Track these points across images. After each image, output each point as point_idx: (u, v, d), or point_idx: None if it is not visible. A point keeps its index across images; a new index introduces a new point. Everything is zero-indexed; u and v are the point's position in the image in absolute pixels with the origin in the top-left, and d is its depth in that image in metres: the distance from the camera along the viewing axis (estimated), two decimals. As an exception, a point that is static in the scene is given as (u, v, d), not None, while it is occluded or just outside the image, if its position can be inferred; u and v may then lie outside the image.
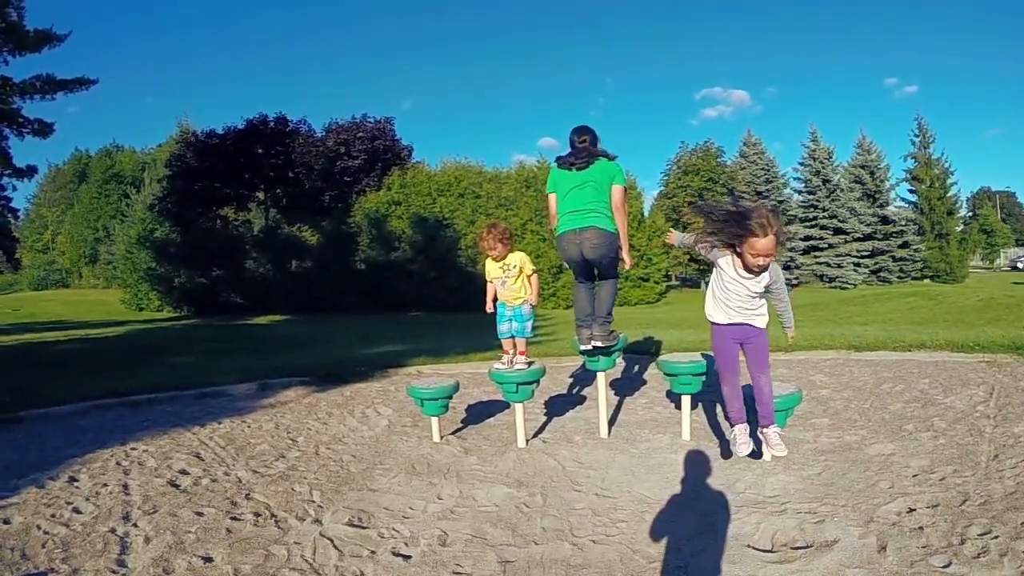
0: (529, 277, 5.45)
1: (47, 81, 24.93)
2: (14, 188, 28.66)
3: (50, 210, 73.12)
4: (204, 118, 68.77)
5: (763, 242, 3.54)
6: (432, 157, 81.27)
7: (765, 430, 3.85)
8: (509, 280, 5.41)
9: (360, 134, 40.80)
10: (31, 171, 28.09)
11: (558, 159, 5.22)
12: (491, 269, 5.49)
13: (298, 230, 39.96)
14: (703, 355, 5.77)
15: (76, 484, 4.83)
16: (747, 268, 3.67)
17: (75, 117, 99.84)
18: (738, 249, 3.68)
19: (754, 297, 3.81)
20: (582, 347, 5.39)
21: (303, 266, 38.49)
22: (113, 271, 55.20)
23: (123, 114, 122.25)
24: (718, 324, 4.00)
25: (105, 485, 4.79)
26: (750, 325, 3.88)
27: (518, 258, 5.42)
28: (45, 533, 3.89)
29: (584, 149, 5.06)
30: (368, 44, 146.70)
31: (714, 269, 3.94)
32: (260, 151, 38.18)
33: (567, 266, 5.38)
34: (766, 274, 3.73)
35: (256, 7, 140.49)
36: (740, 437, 3.79)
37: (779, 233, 3.57)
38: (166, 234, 40.12)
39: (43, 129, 25.80)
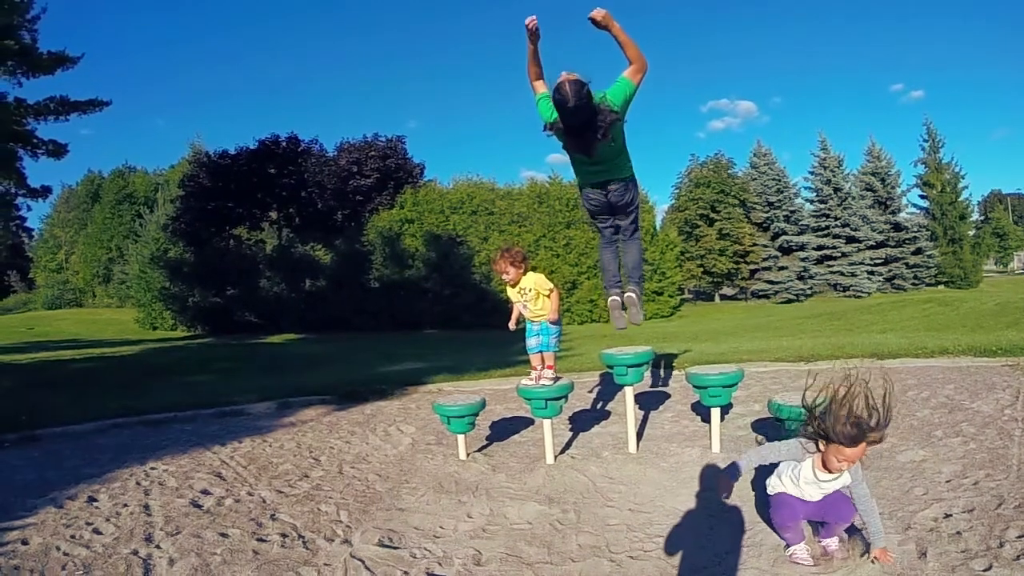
0: (548, 296, 5.37)
1: (61, 103, 25.16)
2: (29, 208, 28.99)
3: (64, 230, 73.65)
4: (216, 139, 69.51)
5: (853, 451, 3.22)
6: (443, 175, 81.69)
7: (825, 540, 3.53)
8: (529, 303, 5.37)
9: (372, 153, 40.96)
10: (45, 192, 28.32)
11: (555, 130, 4.48)
12: (511, 293, 5.47)
13: (311, 249, 40.08)
14: (734, 367, 5.65)
15: (96, 504, 4.74)
16: (826, 467, 3.35)
17: (88, 139, 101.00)
18: (822, 446, 3.34)
19: (827, 494, 3.49)
20: (611, 298, 5.18)
21: (317, 285, 38.57)
22: (127, 290, 55.44)
23: (135, 136, 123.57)
24: (788, 495, 3.52)
25: (125, 505, 4.69)
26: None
27: (532, 281, 5.35)
28: (65, 555, 3.80)
29: (593, 130, 4.29)
30: (376, 65, 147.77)
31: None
32: (272, 171, 38.45)
33: (590, 218, 5.24)
34: (846, 474, 3.39)
35: (265, 30, 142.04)
36: (800, 555, 3.47)
37: (873, 441, 3.23)
38: (180, 254, 40.33)
39: (57, 150, 26.03)
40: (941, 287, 45.54)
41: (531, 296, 5.32)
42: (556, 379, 5.46)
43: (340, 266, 37.83)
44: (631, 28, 4.16)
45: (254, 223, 40.83)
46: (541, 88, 4.56)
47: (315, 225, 39.86)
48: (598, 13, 4.05)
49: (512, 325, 5.56)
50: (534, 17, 4.23)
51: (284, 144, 39.34)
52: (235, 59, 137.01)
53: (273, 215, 41.14)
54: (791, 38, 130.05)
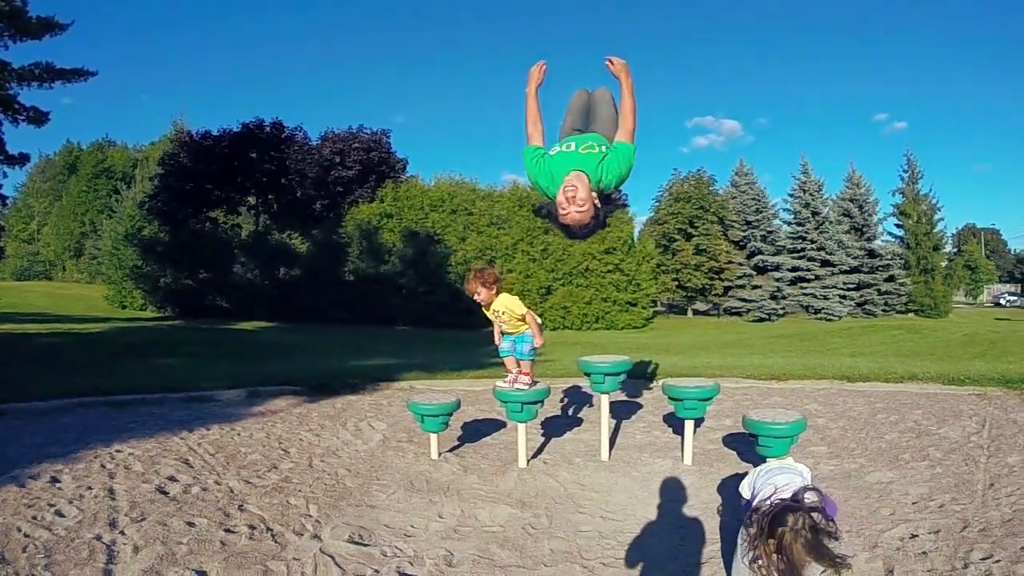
0: (521, 319, 5.27)
1: (46, 69, 24.76)
2: (5, 175, 28.27)
3: (38, 201, 72.51)
4: (199, 119, 68.54)
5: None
6: (425, 172, 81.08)
7: None
8: (504, 326, 5.33)
9: (355, 144, 40.62)
10: (23, 159, 27.77)
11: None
12: (487, 313, 5.40)
13: (288, 237, 39.68)
14: (711, 381, 5.68)
15: (58, 485, 4.62)
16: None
17: (68, 109, 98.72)
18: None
19: None
20: None
21: (291, 274, 38.15)
22: (98, 266, 54.68)
23: (116, 109, 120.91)
24: None
25: (89, 488, 4.58)
26: None
27: (503, 304, 5.25)
28: (26, 536, 3.70)
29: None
30: (365, 56, 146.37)
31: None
32: (254, 155, 38.03)
33: None
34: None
35: (255, 12, 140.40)
36: None
37: None
38: (154, 233, 39.72)
39: (38, 117, 25.60)
40: (911, 315, 46.13)
41: (504, 319, 5.28)
42: (532, 384, 5.44)
43: (316, 257, 37.45)
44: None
45: (232, 207, 40.36)
46: (537, 140, 3.79)
47: (293, 213, 39.47)
48: (619, 61, 3.72)
49: (498, 340, 5.51)
50: (544, 63, 3.88)
51: (268, 129, 38.95)
52: (225, 40, 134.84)
53: (251, 200, 40.71)
54: (780, 62, 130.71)
